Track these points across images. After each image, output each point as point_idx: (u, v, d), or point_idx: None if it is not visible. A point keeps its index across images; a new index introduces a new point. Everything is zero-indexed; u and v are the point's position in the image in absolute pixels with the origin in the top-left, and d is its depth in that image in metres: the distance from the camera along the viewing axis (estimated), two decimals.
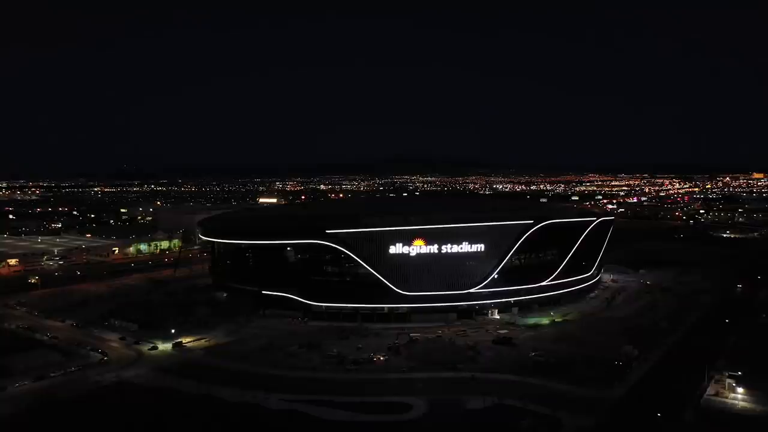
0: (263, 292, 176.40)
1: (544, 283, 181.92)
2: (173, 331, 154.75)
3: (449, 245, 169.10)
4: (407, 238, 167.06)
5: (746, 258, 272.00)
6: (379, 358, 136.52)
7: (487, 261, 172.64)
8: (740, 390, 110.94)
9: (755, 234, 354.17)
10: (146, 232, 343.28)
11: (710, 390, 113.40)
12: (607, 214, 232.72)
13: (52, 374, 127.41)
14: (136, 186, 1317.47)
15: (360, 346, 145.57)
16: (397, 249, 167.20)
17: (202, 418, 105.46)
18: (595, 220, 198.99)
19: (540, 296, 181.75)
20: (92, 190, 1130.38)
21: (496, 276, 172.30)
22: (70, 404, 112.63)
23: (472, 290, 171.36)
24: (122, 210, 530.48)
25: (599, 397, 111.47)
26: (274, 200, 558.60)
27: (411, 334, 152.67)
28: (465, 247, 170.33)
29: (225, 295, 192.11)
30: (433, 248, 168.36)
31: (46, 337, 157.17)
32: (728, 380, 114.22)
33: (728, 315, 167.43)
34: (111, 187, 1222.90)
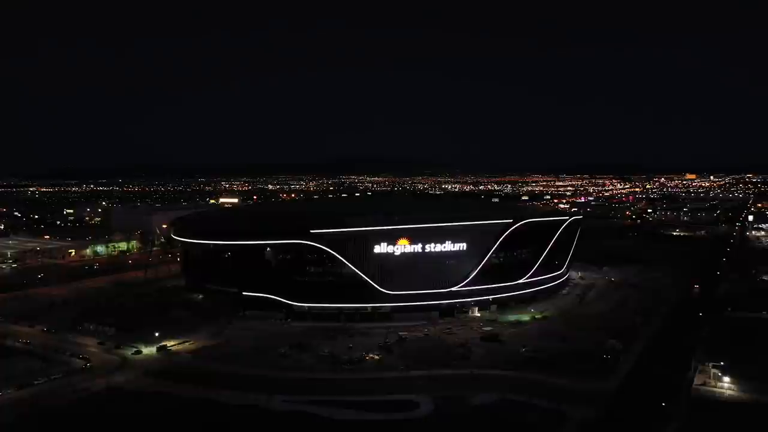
0: (244, 293, 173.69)
1: (521, 281, 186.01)
2: (157, 334, 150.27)
3: (433, 244, 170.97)
4: (392, 238, 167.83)
5: (700, 255, 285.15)
6: (374, 357, 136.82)
7: (469, 260, 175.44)
8: (726, 379, 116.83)
9: (702, 232, 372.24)
10: (101, 234, 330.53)
11: (697, 380, 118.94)
12: (577, 213, 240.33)
13: (36, 382, 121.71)
14: (74, 186, 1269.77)
15: (350, 345, 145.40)
16: (382, 248, 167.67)
17: (207, 423, 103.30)
18: (567, 219, 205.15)
19: (517, 294, 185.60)
20: (28, 190, 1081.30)
21: (477, 274, 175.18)
22: (64, 412, 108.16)
23: (454, 289, 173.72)
24: (68, 210, 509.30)
25: (596, 390, 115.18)
26: (236, 200, 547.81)
27: (400, 333, 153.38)
28: (448, 246, 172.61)
29: (200, 296, 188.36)
30: (418, 247, 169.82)
31: (18, 343, 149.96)
32: (713, 370, 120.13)
33: (696, 309, 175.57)
34: (47, 187, 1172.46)
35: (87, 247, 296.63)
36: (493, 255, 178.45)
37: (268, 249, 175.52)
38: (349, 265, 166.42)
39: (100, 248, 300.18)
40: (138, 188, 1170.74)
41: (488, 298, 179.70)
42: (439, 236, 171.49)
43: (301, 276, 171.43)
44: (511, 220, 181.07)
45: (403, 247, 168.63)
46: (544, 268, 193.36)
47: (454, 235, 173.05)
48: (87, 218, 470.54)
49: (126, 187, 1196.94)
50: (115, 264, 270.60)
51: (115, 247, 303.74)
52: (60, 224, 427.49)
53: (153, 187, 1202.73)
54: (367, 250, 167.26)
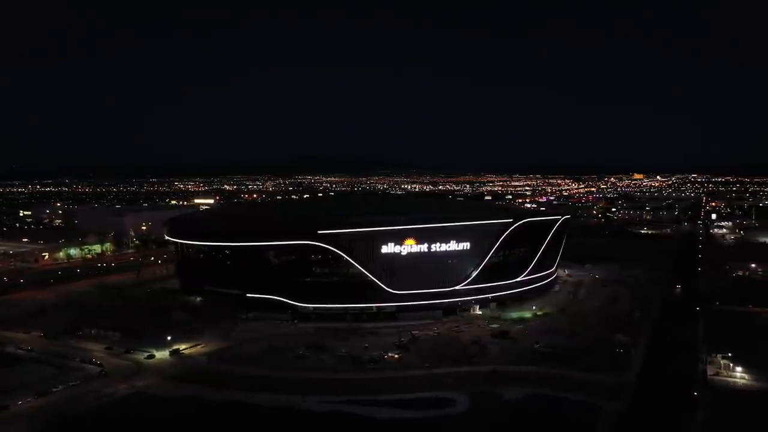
0: (248, 295, 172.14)
1: (518, 279, 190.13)
2: (169, 338, 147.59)
3: (438, 244, 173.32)
4: (400, 238, 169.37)
5: (672, 252, 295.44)
6: (393, 357, 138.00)
7: (471, 259, 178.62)
8: (739, 369, 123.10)
9: (668, 230, 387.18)
10: (69, 236, 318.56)
11: (710, 370, 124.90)
12: (566, 213, 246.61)
13: (55, 389, 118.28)
14: (18, 186, 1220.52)
15: (366, 345, 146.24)
16: (389, 248, 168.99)
17: (248, 424, 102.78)
18: (560, 219, 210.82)
19: (515, 291, 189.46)
20: None
21: (478, 273, 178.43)
22: (94, 418, 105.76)
23: (457, 287, 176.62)
24: (26, 212, 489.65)
25: (618, 383, 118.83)
26: (211, 201, 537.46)
27: (413, 332, 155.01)
28: (453, 246, 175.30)
29: (198, 299, 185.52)
30: (424, 247, 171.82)
31: (20, 350, 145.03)
32: (723, 361, 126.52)
33: (685, 304, 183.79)
34: None
35: (60, 250, 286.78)
36: (494, 254, 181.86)
37: (272, 251, 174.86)
38: (357, 265, 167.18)
39: (73, 251, 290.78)
40: (89, 189, 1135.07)
41: (488, 297, 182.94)
42: (445, 236, 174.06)
43: (307, 277, 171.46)
44: (511, 220, 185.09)
45: (409, 246, 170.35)
46: (539, 267, 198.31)
47: (459, 235, 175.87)
48: (47, 220, 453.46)
49: (78, 188, 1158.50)
50: (93, 266, 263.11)
51: (89, 250, 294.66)
52: (22, 227, 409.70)
53: (104, 188, 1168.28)
54: (375, 250, 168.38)
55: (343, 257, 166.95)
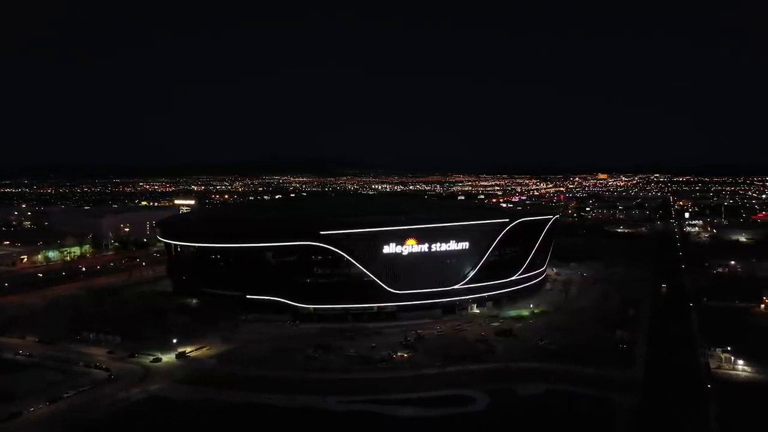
0: (248, 296, 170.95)
1: (514, 278, 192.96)
2: (174, 341, 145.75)
3: (439, 244, 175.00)
4: (401, 238, 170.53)
5: (651, 251, 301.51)
6: (402, 356, 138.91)
7: (470, 258, 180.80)
8: (740, 362, 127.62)
9: (643, 229, 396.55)
10: (44, 238, 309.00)
11: (712, 364, 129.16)
12: (557, 213, 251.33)
13: (65, 395, 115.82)
14: None
15: (373, 345, 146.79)
16: (390, 249, 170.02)
17: (271, 426, 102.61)
18: (551, 218, 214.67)
19: (510, 290, 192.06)
20: None
21: (476, 272, 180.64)
22: (113, 424, 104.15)
23: (456, 287, 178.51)
24: None
25: (627, 378, 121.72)
26: (191, 202, 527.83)
27: (418, 331, 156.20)
28: (452, 246, 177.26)
29: (194, 301, 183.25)
30: (424, 247, 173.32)
31: (20, 356, 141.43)
32: (723, 355, 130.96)
33: (675, 301, 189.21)
34: None
35: (39, 252, 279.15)
36: (491, 253, 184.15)
37: (270, 252, 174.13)
38: (358, 265, 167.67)
39: (51, 253, 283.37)
40: (51, 189, 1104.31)
41: (484, 296, 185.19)
42: (445, 236, 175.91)
43: (308, 277, 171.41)
44: (507, 220, 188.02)
45: (410, 246, 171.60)
46: (531, 266, 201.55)
47: (458, 235, 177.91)
48: (15, 222, 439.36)
49: (36, 189, 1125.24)
50: (75, 269, 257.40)
51: (68, 252, 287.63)
52: None
53: (66, 188, 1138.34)
54: (376, 250, 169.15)
55: (345, 257, 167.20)
